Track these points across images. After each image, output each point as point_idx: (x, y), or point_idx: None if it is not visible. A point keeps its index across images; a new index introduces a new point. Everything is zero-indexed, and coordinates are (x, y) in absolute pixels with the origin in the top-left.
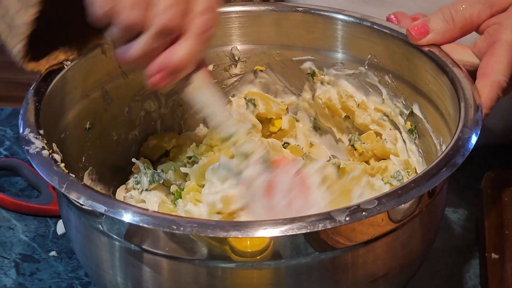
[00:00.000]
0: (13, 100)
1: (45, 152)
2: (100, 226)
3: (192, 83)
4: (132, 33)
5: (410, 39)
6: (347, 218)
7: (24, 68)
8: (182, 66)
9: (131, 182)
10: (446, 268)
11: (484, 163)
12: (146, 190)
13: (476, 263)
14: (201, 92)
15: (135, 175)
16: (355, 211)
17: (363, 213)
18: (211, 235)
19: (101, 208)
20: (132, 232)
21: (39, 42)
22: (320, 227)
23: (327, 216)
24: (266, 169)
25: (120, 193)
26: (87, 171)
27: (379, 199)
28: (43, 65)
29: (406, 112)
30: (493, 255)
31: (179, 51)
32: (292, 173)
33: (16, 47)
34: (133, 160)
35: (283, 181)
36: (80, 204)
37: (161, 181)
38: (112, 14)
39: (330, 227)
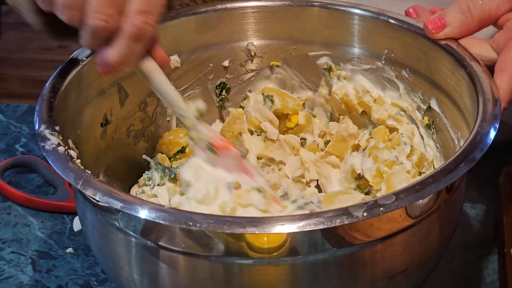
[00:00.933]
0: (29, 97)
1: (61, 149)
2: (116, 222)
3: (141, 70)
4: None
5: (427, 33)
6: (365, 214)
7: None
8: (118, 65)
9: (142, 178)
10: (464, 264)
11: (503, 158)
12: (158, 185)
13: (495, 259)
14: (151, 77)
15: (147, 172)
16: (372, 206)
17: (381, 208)
18: (228, 231)
19: (117, 205)
20: (148, 228)
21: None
22: (337, 222)
23: (345, 211)
24: (213, 153)
25: (135, 190)
26: (103, 168)
27: (396, 194)
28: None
29: (424, 107)
30: None
31: (111, 54)
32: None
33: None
34: (144, 156)
35: (227, 162)
36: (96, 200)
37: (172, 176)
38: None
39: (347, 222)
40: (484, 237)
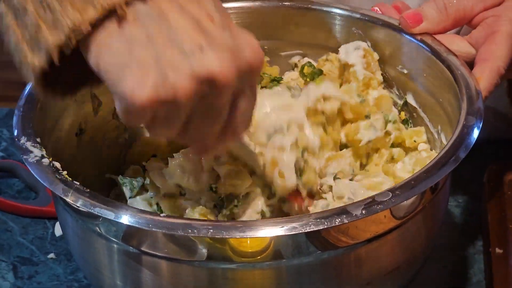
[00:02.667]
0: (10, 99)
1: (46, 161)
2: (97, 228)
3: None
4: None
5: (404, 26)
6: (364, 212)
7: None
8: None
9: (112, 194)
10: (450, 264)
11: (487, 157)
12: (130, 197)
13: (481, 258)
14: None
15: (115, 188)
16: (370, 204)
17: (379, 206)
18: (210, 236)
19: (110, 215)
20: (130, 234)
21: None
22: (337, 222)
23: (343, 210)
24: None
25: None
26: (80, 177)
27: (392, 190)
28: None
29: (400, 102)
30: (497, 250)
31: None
32: None
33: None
34: (107, 175)
35: None
36: (77, 206)
37: (141, 185)
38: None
39: (347, 222)
40: (469, 236)
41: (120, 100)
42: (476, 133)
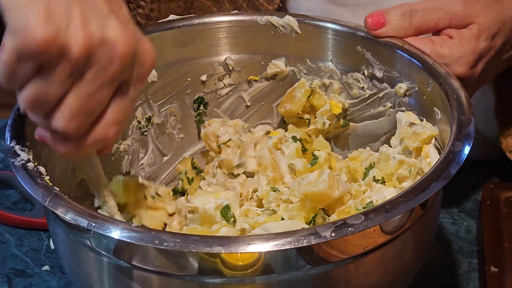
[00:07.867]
0: (10, 107)
1: (30, 165)
2: (88, 242)
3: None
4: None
5: (365, 28)
6: (333, 234)
7: None
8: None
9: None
10: (445, 281)
11: (483, 174)
12: None
13: (476, 276)
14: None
15: None
16: (341, 226)
17: (349, 228)
18: (194, 250)
19: (84, 223)
20: (121, 248)
21: None
22: (304, 243)
23: (313, 231)
24: None
25: None
26: (77, 183)
27: (366, 214)
28: None
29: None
30: (493, 268)
31: (66, 147)
32: None
33: None
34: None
35: None
36: (67, 220)
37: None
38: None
39: (314, 242)
40: (464, 254)
41: (17, 32)
42: (461, 159)
